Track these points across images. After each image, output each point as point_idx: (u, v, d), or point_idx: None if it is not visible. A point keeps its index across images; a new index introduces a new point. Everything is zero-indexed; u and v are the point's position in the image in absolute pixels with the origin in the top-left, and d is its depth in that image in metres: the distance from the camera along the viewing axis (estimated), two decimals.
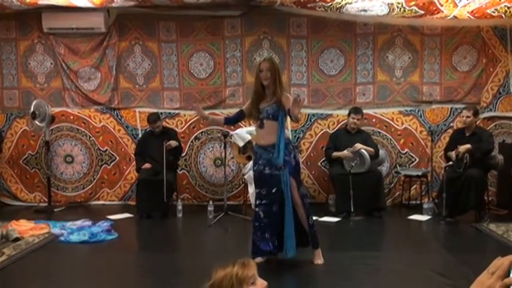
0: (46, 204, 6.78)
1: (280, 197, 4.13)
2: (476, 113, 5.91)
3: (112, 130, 7.02)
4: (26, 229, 5.30)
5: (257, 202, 4.30)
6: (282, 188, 4.11)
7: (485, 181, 5.78)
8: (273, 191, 4.14)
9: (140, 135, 6.86)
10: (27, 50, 6.97)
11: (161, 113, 6.72)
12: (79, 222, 5.55)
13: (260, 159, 4.22)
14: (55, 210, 6.64)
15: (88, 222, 5.55)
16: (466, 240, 5.25)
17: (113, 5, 6.21)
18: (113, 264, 4.59)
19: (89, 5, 6.12)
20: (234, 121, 4.71)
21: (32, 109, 6.46)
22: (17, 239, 5.02)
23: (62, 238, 5.22)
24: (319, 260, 4.32)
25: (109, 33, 6.81)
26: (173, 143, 6.22)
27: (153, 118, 6.37)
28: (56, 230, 5.41)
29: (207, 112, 6.85)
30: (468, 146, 5.68)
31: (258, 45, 6.72)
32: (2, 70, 7.01)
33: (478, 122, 6.16)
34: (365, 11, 5.97)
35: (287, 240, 4.14)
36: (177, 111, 6.95)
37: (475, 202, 5.67)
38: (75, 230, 5.31)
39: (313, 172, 6.91)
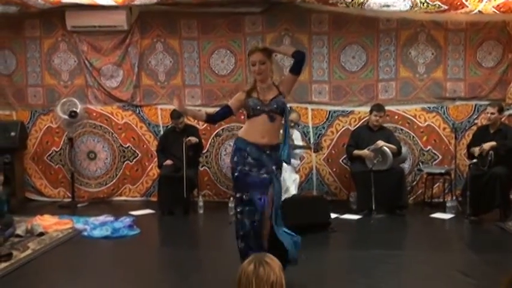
0: (70, 199, 6.89)
1: (263, 204, 3.65)
2: (501, 110, 5.81)
3: (134, 127, 7.08)
4: (50, 224, 5.40)
5: (238, 209, 3.75)
6: (271, 193, 3.66)
7: (510, 179, 5.67)
8: (257, 197, 3.64)
9: (162, 132, 6.91)
10: (51, 48, 7.07)
11: None
12: (102, 218, 5.62)
13: (246, 158, 3.70)
14: (78, 205, 6.74)
15: (110, 218, 5.62)
16: (490, 240, 5.17)
17: (135, 2, 6.26)
18: (134, 259, 4.64)
19: (112, 3, 6.18)
20: (219, 119, 4.03)
21: (70, 109, 6.55)
22: (41, 234, 5.11)
23: (85, 233, 5.30)
24: None
25: (131, 30, 6.87)
26: (193, 139, 6.25)
27: (177, 114, 6.39)
28: (79, 225, 5.49)
29: None
30: (493, 143, 5.59)
31: (279, 42, 6.69)
32: (26, 68, 7.13)
33: (503, 119, 6.06)
34: (387, 6, 5.90)
35: (289, 248, 3.68)
36: (198, 108, 6.97)
37: (500, 200, 5.58)
38: (98, 226, 5.38)
39: (334, 169, 6.88)
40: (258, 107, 3.69)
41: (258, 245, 3.67)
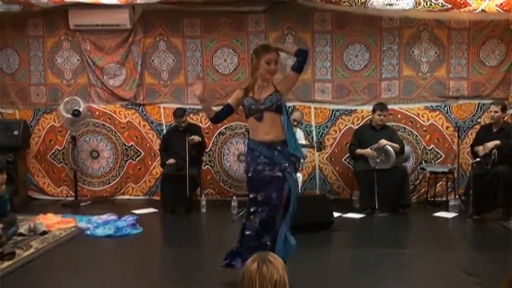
0: (73, 198, 6.91)
1: (279, 203, 3.62)
2: (504, 108, 5.80)
3: (137, 126, 7.09)
4: (53, 223, 5.42)
5: (252, 209, 3.69)
6: (287, 192, 3.62)
7: None
8: (273, 196, 3.61)
9: (165, 131, 6.92)
10: (54, 46, 7.08)
11: (185, 109, 6.74)
12: (105, 217, 5.63)
13: (258, 158, 3.67)
14: (81, 204, 6.75)
15: (113, 217, 5.63)
16: (493, 238, 5.16)
17: (138, 1, 6.26)
18: (137, 258, 4.65)
19: (115, 2, 6.18)
20: (221, 117, 3.99)
21: (73, 107, 6.57)
22: (44, 233, 5.12)
23: (88, 232, 5.31)
24: None
25: (134, 29, 6.87)
26: (196, 137, 6.26)
27: (179, 112, 6.42)
28: (82, 224, 5.51)
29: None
30: (496, 142, 5.57)
31: (282, 40, 6.68)
32: (29, 66, 7.14)
33: (506, 118, 6.04)
34: (390, 5, 5.88)
35: (279, 242, 3.65)
36: (201, 107, 6.97)
37: (503, 199, 5.57)
38: (101, 224, 5.39)
39: (337, 168, 6.87)
40: (253, 107, 3.69)
41: (262, 245, 3.63)
